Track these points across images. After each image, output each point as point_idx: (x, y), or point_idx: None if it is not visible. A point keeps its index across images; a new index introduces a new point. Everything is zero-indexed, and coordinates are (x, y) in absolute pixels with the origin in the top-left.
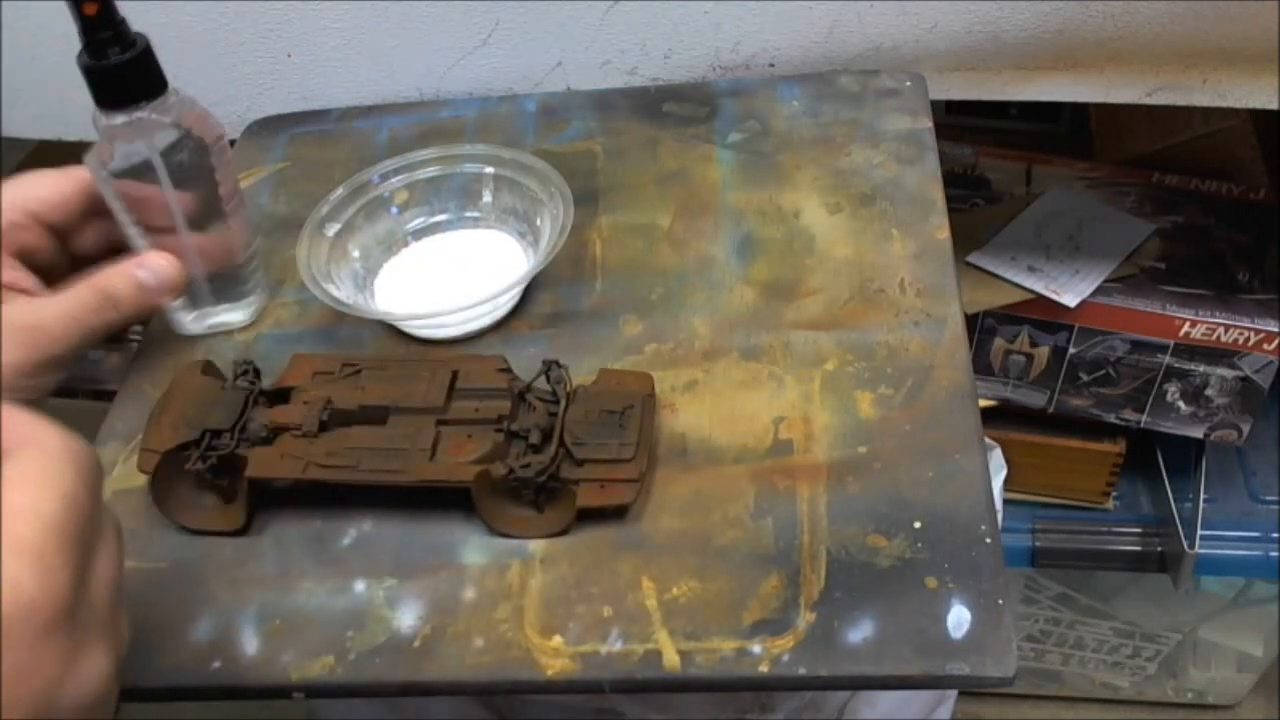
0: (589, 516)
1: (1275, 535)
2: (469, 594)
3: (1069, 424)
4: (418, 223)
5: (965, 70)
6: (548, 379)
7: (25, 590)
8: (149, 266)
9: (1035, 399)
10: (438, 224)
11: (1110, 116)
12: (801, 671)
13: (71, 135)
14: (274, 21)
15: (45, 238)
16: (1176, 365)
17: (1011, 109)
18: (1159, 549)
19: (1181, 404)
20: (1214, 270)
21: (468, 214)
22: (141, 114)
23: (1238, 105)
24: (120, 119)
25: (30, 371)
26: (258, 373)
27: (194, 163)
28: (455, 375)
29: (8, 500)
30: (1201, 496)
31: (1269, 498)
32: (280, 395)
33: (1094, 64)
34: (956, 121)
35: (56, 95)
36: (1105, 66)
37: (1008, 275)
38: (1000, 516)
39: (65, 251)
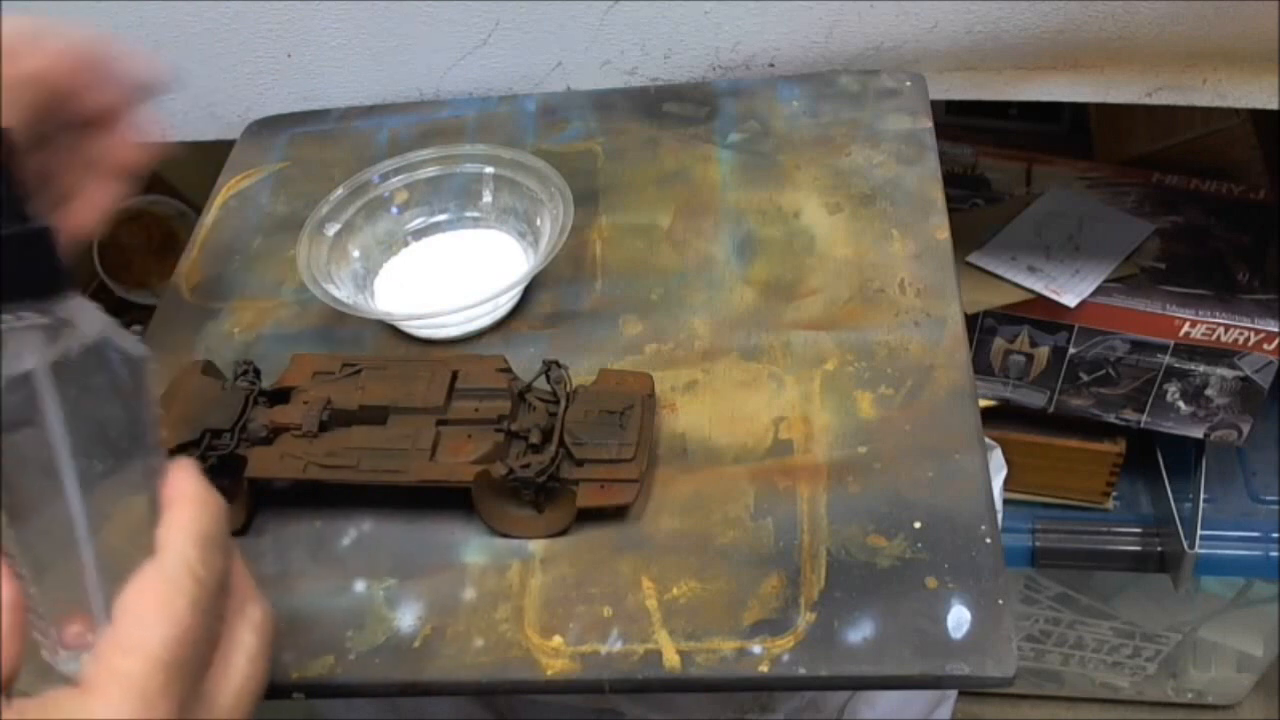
0: (589, 516)
1: (1275, 535)
2: (469, 594)
3: (1069, 424)
4: (418, 223)
5: (965, 70)
6: (548, 379)
7: None
8: None
9: (1035, 399)
10: (438, 224)
11: (1110, 116)
12: (801, 671)
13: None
14: (274, 21)
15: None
16: (1176, 365)
17: (1011, 109)
18: (1159, 549)
19: (1181, 404)
20: (1214, 270)
21: (468, 214)
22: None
23: (1238, 105)
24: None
25: None
26: (258, 373)
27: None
28: (455, 375)
29: (120, 633)
30: (1201, 496)
31: (1269, 498)
32: (280, 395)
33: (1094, 64)
34: (956, 121)
35: None
36: (1105, 66)
37: (1008, 275)
38: (1000, 516)
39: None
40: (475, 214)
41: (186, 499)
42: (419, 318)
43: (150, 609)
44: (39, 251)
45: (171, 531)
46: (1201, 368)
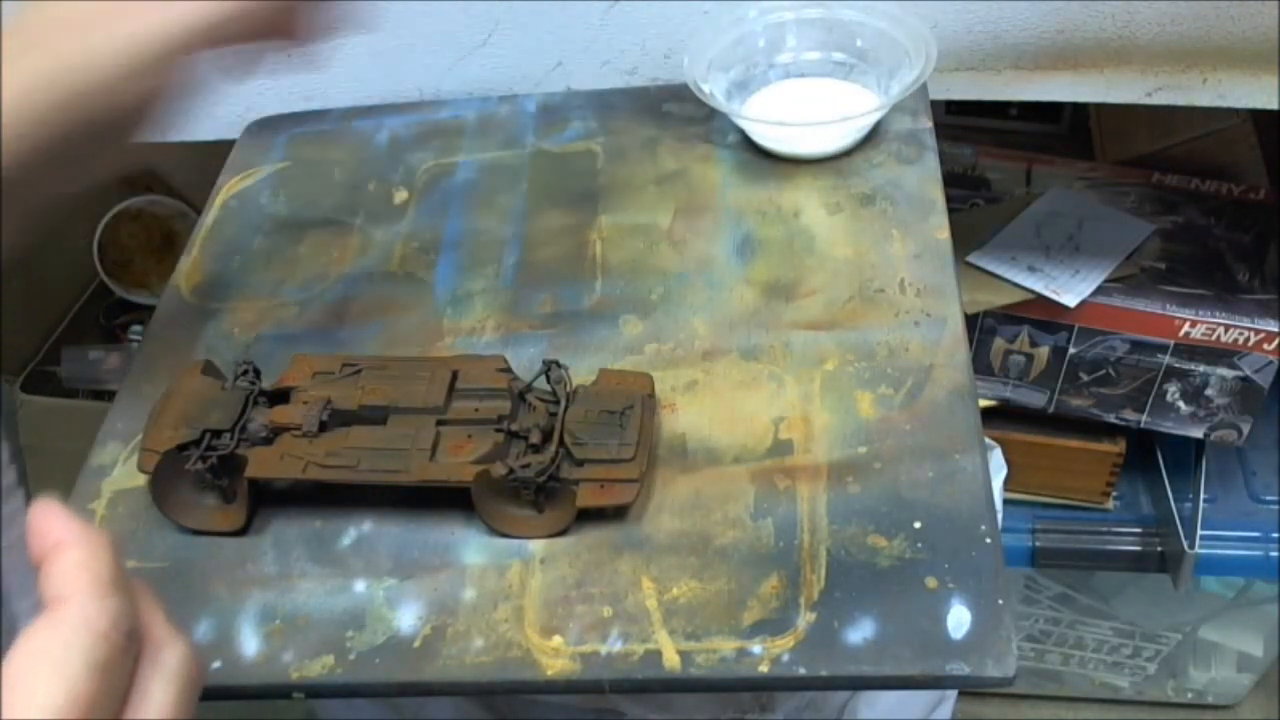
0: (589, 516)
1: (1275, 535)
2: (469, 594)
3: (1069, 424)
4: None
5: (965, 70)
6: (548, 379)
7: None
8: None
9: (1035, 399)
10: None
11: (1110, 116)
12: (801, 671)
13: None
14: None
15: None
16: (1176, 365)
17: (1011, 109)
18: (1159, 549)
19: (1181, 404)
20: (1214, 270)
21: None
22: None
23: (1238, 105)
24: None
25: None
26: (258, 373)
27: None
28: (455, 375)
29: (5, 703)
30: (1201, 496)
31: (1269, 498)
32: (280, 395)
33: (1094, 64)
34: (956, 121)
35: None
36: (1105, 66)
37: (1008, 275)
38: (1000, 516)
39: None
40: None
41: (70, 542)
42: (788, 124)
43: (38, 674)
44: None
45: (59, 579)
46: (1201, 368)
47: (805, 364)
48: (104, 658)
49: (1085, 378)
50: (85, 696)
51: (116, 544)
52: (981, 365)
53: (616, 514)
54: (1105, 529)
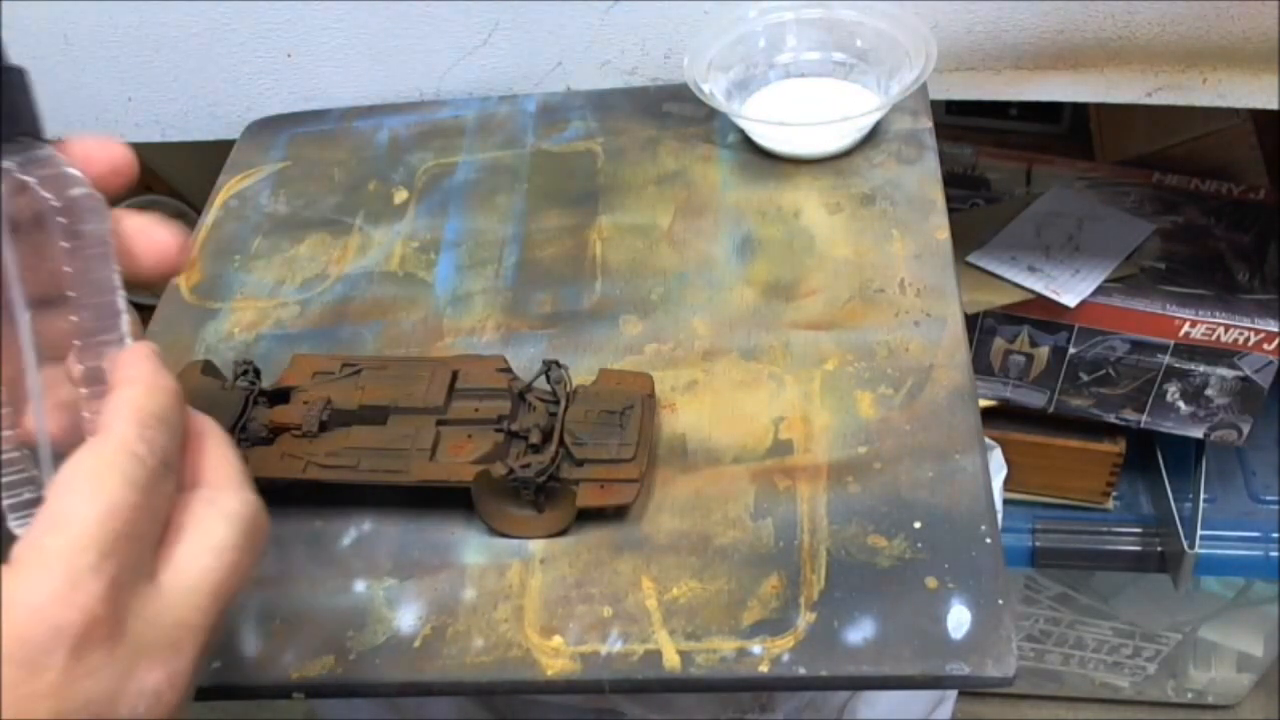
0: (589, 516)
1: (1275, 535)
2: (469, 594)
3: (1069, 424)
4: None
5: (965, 70)
6: (548, 379)
7: (45, 610)
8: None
9: (1035, 399)
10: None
11: (1110, 116)
12: (801, 671)
13: (71, 135)
14: (274, 21)
15: None
16: (1176, 365)
17: (1011, 109)
18: (1159, 549)
19: (1181, 404)
20: (1214, 270)
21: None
22: None
23: (1238, 105)
24: None
25: None
26: (258, 373)
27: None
28: (455, 375)
29: (49, 509)
30: (1201, 496)
31: (1269, 498)
32: (280, 395)
33: (1094, 64)
34: (956, 121)
35: (56, 95)
36: (1105, 66)
37: (1008, 275)
38: (1000, 516)
39: None
40: (841, 57)
41: (133, 381)
42: (788, 124)
43: (80, 484)
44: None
45: (112, 412)
46: (1201, 368)
47: (805, 364)
48: (141, 477)
49: (1085, 378)
50: (124, 509)
51: (180, 394)
52: (981, 365)
53: (616, 514)
54: (1105, 529)
